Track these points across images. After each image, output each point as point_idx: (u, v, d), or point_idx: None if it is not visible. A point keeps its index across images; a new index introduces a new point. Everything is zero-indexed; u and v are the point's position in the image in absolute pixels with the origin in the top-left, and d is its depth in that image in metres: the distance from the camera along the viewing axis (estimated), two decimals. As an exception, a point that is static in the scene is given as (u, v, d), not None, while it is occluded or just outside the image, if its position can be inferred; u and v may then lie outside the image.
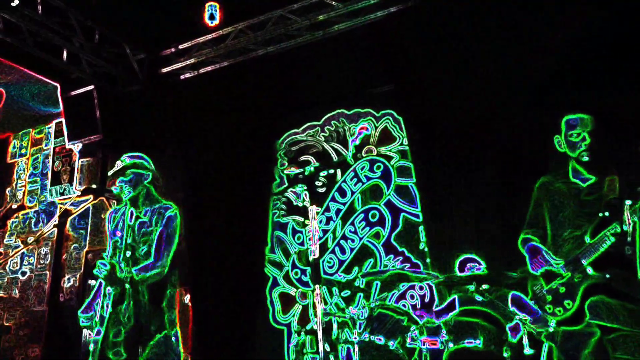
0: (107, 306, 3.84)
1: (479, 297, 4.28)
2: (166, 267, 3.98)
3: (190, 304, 6.91)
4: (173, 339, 3.98)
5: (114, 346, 3.83)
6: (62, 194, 8.64)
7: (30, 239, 7.12)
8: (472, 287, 4.33)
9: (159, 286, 4.00)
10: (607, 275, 3.25)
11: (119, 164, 4.14)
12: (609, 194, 3.37)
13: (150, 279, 3.90)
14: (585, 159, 3.49)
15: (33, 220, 8.90)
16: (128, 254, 3.96)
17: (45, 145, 9.12)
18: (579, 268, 3.33)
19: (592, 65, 5.02)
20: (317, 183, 6.86)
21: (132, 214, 4.11)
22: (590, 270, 3.27)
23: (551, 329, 3.43)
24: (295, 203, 7.12)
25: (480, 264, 4.87)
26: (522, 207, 4.16)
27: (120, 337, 3.84)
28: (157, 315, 3.93)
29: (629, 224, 3.11)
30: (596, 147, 3.48)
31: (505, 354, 3.99)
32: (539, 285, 3.52)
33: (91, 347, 3.77)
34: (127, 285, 3.84)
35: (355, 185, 6.71)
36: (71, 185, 8.47)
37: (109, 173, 4.24)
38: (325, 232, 6.72)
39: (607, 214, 3.31)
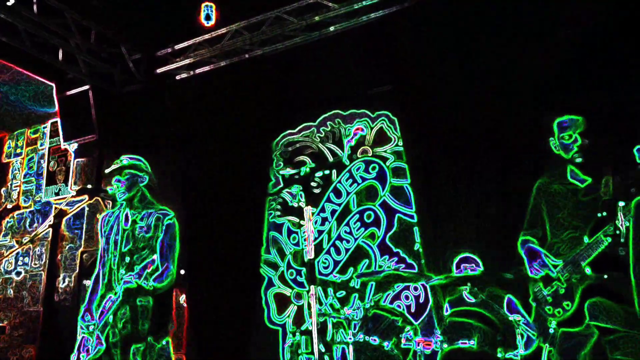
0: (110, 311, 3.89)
1: (471, 298, 4.30)
2: (174, 275, 4.04)
3: (185, 304, 6.91)
4: (164, 342, 3.99)
5: (108, 349, 3.85)
6: (57, 194, 8.63)
7: (25, 239, 7.08)
8: (466, 288, 4.35)
9: (161, 294, 4.04)
10: (605, 276, 3.26)
11: (117, 164, 4.14)
12: (605, 195, 3.38)
13: (165, 288, 3.96)
14: (579, 160, 3.50)
15: (28, 220, 8.88)
16: (127, 259, 3.99)
17: (41, 145, 9.11)
18: (577, 269, 3.34)
19: (590, 66, 5.04)
20: (312, 184, 6.85)
21: (127, 217, 4.12)
22: (588, 271, 3.28)
23: (551, 330, 3.44)
24: (290, 204, 7.13)
25: (476, 263, 4.88)
26: (518, 207, 4.17)
27: (116, 339, 3.85)
28: (151, 321, 3.95)
29: (622, 225, 3.12)
30: (590, 148, 3.48)
31: (499, 355, 4.01)
32: (539, 288, 3.53)
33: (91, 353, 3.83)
34: (121, 291, 3.88)
35: (350, 186, 6.73)
36: (66, 185, 8.45)
37: (106, 171, 4.25)
38: (320, 232, 6.73)
39: (604, 214, 3.31)
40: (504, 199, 5.40)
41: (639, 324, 3.17)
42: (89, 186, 7.48)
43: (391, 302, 6.02)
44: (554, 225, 3.62)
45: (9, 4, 6.19)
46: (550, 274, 3.46)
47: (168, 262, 4.02)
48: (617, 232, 3.20)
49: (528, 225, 3.84)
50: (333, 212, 6.76)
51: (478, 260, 4.95)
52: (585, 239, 3.34)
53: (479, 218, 5.58)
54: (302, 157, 7.16)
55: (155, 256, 3.86)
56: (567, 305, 3.34)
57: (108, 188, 4.12)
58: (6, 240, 9.01)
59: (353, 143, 6.83)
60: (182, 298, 6.90)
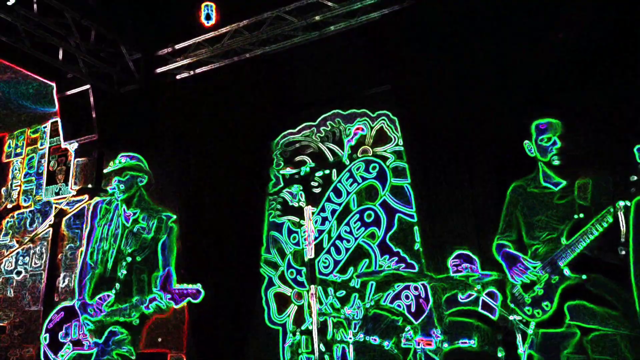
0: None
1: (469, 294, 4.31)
2: (174, 274, 4.14)
3: (185, 304, 6.90)
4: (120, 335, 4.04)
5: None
6: (57, 193, 8.63)
7: (26, 239, 7.08)
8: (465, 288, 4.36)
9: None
10: (584, 277, 3.27)
11: (117, 164, 4.18)
12: (580, 198, 3.41)
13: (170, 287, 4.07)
14: (557, 162, 3.54)
15: (28, 220, 8.89)
16: (129, 259, 4.05)
17: (41, 145, 9.12)
18: (555, 269, 3.35)
19: (589, 66, 5.05)
20: (312, 183, 6.86)
21: (127, 216, 4.16)
22: (567, 272, 3.30)
23: (530, 331, 3.46)
24: (290, 203, 7.13)
25: (472, 260, 4.88)
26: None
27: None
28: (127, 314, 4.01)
29: (622, 225, 3.12)
30: (566, 150, 3.53)
31: (499, 354, 4.01)
32: (518, 289, 3.54)
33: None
34: (117, 285, 3.97)
35: (350, 185, 6.73)
36: (66, 185, 8.46)
37: (106, 171, 4.30)
38: (320, 232, 6.74)
39: (582, 215, 3.34)
40: (504, 199, 5.40)
41: (620, 324, 3.19)
42: (89, 186, 7.50)
43: (391, 302, 6.03)
44: (531, 228, 3.65)
45: (9, 3, 6.19)
46: (532, 278, 3.48)
47: (168, 262, 4.12)
48: (598, 233, 3.21)
49: (503, 228, 3.88)
50: (333, 211, 6.76)
51: (474, 257, 4.97)
52: (563, 240, 3.35)
53: (479, 218, 5.58)
54: (302, 157, 7.16)
55: (112, 292, 4.00)
56: (547, 306, 3.35)
57: (108, 188, 4.16)
58: (6, 240, 9.02)
59: (353, 143, 6.84)
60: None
